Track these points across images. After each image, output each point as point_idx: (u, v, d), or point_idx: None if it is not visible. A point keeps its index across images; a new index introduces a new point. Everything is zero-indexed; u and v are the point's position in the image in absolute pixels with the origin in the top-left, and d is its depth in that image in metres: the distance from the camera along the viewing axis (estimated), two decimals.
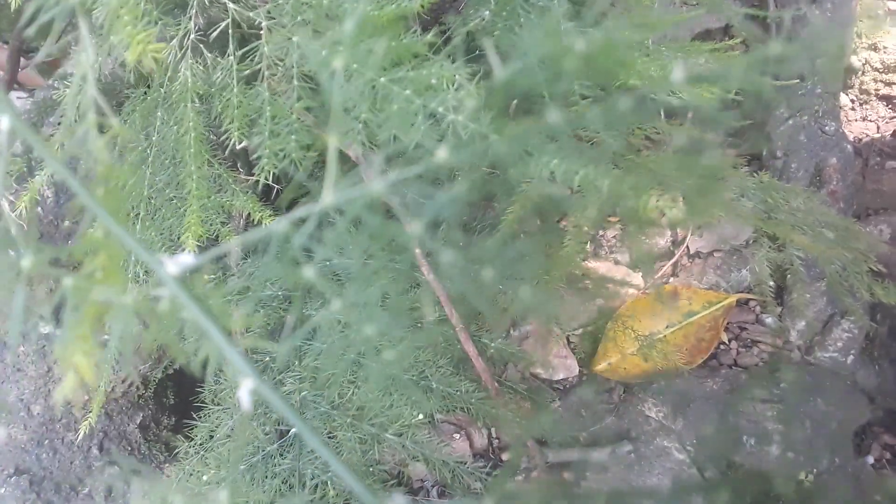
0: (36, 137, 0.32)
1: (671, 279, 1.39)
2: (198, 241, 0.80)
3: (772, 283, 1.33)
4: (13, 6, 0.90)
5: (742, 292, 1.36)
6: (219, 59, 0.79)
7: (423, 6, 0.65)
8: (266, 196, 1.00)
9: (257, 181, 0.75)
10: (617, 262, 1.39)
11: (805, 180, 1.34)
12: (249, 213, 0.97)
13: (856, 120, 1.48)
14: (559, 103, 0.26)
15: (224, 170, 0.97)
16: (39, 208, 1.18)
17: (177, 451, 1.13)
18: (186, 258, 0.33)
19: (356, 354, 0.97)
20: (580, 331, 1.38)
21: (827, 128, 1.35)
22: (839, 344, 1.28)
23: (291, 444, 1.05)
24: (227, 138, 0.79)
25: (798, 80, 1.34)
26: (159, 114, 0.91)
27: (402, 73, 0.58)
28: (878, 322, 1.29)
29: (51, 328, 1.14)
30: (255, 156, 0.72)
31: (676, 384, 1.28)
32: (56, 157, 0.31)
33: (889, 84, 1.44)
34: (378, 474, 1.12)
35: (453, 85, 0.58)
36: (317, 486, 1.02)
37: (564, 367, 1.34)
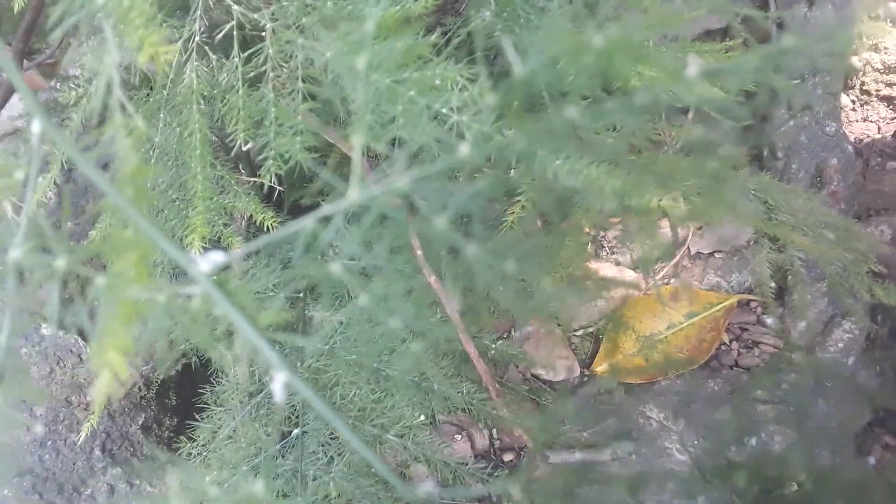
0: (68, 141, 0.32)
1: (672, 280, 1.39)
2: (202, 242, 0.81)
3: (773, 284, 1.33)
4: (16, 8, 0.90)
5: (743, 293, 1.36)
6: (223, 60, 0.80)
7: (426, 7, 0.65)
8: (268, 197, 1.00)
9: (259, 183, 0.75)
10: (618, 263, 1.40)
11: (806, 181, 1.34)
12: (251, 215, 0.97)
13: (856, 120, 1.48)
14: (574, 100, 0.26)
15: (226, 171, 0.97)
16: (41, 210, 1.19)
17: (179, 452, 1.13)
18: (218, 256, 0.34)
19: (360, 356, 0.97)
20: (581, 332, 1.38)
21: (828, 128, 1.35)
22: (840, 345, 1.28)
23: (293, 445, 1.05)
24: (230, 140, 0.79)
25: (799, 81, 1.34)
26: (162, 116, 0.91)
27: (406, 74, 0.58)
28: (879, 323, 1.30)
29: (52, 330, 1.14)
30: (260, 157, 0.72)
31: (677, 385, 1.28)
32: (86, 158, 0.31)
33: (890, 85, 1.45)
34: (379, 475, 1.12)
35: (458, 86, 0.58)
36: (319, 486, 1.02)
37: (566, 367, 1.34)
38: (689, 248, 1.40)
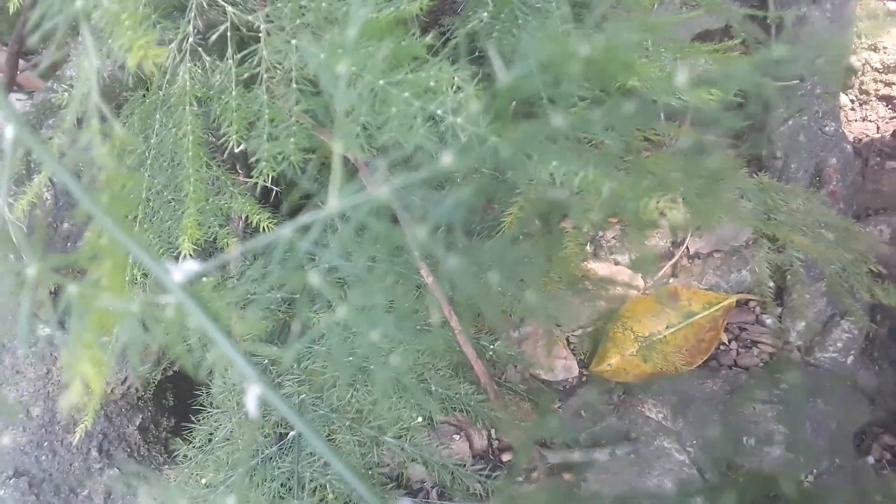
0: (41, 146, 0.32)
1: (671, 280, 1.39)
2: (195, 244, 0.80)
3: (771, 284, 1.33)
4: (12, 9, 0.90)
5: (742, 293, 1.36)
6: (217, 62, 0.79)
7: (421, 9, 0.64)
8: (265, 198, 1.00)
9: (256, 183, 0.75)
10: (617, 263, 1.39)
11: (805, 181, 1.34)
12: (248, 216, 0.97)
13: (855, 120, 1.48)
14: (562, 106, 0.26)
15: (223, 172, 0.97)
16: (38, 210, 1.18)
17: (176, 453, 1.13)
18: (191, 265, 0.33)
19: (357, 358, 0.97)
20: (580, 332, 1.38)
21: (827, 128, 1.35)
22: (839, 344, 1.28)
23: (290, 447, 1.05)
24: (226, 141, 0.78)
25: (798, 81, 1.33)
26: (158, 116, 0.91)
27: (400, 76, 0.58)
28: (878, 323, 1.29)
29: (50, 330, 1.14)
30: (253, 158, 0.72)
31: (676, 385, 1.28)
32: (61, 165, 0.31)
33: (889, 84, 1.44)
34: (377, 477, 1.12)
35: (452, 87, 0.58)
36: (315, 488, 1.02)
37: (564, 368, 1.34)
38: (687, 247, 1.40)
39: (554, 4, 0.84)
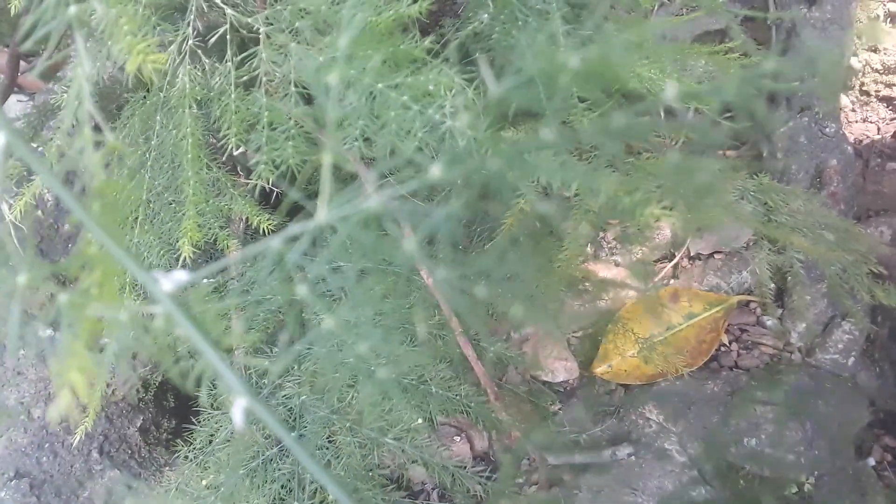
0: (32, 154, 0.32)
1: (671, 281, 1.39)
2: (195, 245, 0.80)
3: (772, 285, 1.32)
4: (13, 10, 0.90)
5: (742, 294, 1.36)
6: (217, 64, 0.79)
7: (420, 12, 0.64)
8: (266, 199, 1.00)
9: (257, 185, 0.75)
10: (617, 265, 1.39)
11: (805, 182, 1.34)
12: (248, 217, 0.97)
13: (856, 121, 1.48)
14: (556, 115, 0.26)
15: (223, 174, 0.97)
16: (39, 211, 1.19)
17: (177, 454, 1.13)
18: (181, 275, 0.33)
19: (354, 362, 0.96)
20: (580, 333, 1.38)
21: (827, 129, 1.35)
22: (840, 346, 1.27)
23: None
24: (226, 142, 0.79)
25: (798, 82, 1.33)
26: (158, 118, 0.91)
27: (399, 79, 0.58)
28: (879, 324, 1.29)
29: (51, 331, 1.14)
30: (252, 161, 0.72)
31: (677, 386, 1.28)
32: (52, 173, 0.31)
33: (889, 85, 1.44)
34: (378, 478, 1.12)
35: (451, 91, 0.58)
36: (316, 490, 1.02)
37: (565, 369, 1.34)
38: (688, 249, 1.40)
39: (554, 5, 0.84)
